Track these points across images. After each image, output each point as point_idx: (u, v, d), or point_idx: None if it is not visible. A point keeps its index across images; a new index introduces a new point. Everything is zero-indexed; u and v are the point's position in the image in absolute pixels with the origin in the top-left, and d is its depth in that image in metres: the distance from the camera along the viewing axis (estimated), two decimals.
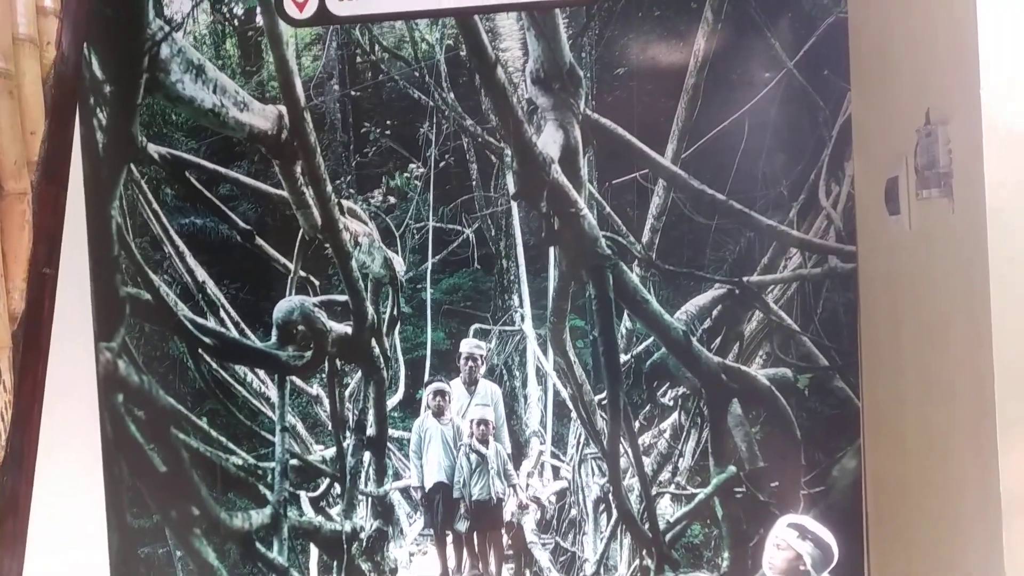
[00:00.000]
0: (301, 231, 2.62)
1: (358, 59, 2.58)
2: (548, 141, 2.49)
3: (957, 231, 1.70)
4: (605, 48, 2.45)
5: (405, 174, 2.58)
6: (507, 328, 2.59)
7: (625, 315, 2.50)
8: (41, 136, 2.05)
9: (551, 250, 2.53)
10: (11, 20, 1.96)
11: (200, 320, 2.68)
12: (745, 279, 2.45)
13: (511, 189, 2.53)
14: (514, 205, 2.55)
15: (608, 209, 2.48)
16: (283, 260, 2.64)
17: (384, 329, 2.61)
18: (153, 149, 2.65)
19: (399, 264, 2.60)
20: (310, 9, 2.53)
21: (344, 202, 2.60)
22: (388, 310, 2.61)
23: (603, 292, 2.50)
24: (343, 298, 2.63)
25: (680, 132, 2.43)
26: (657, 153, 2.44)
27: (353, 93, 2.58)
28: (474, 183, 2.56)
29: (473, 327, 2.59)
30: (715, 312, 2.47)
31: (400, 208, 2.59)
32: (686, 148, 2.43)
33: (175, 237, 2.68)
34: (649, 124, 2.44)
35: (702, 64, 2.40)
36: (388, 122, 2.57)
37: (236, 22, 2.60)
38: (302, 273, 2.64)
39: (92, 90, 2.60)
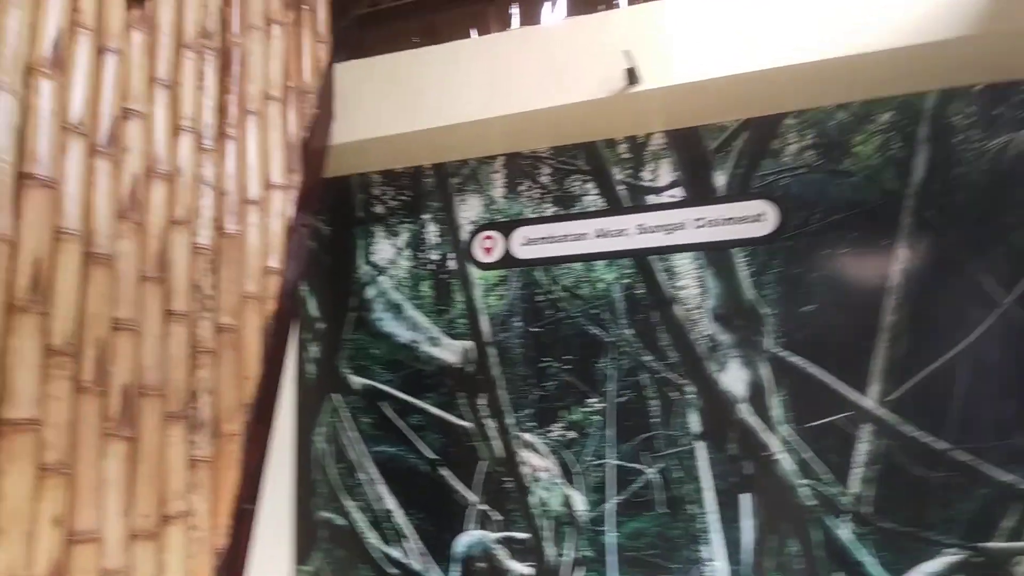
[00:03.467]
0: (483, 463, 2.62)
1: (539, 298, 2.66)
2: (733, 379, 2.35)
3: None
4: (790, 285, 2.33)
5: (584, 409, 2.53)
6: None
7: None
8: (255, 380, 2.28)
9: (745, 497, 2.30)
10: (240, 280, 2.26)
11: (385, 549, 2.70)
12: (985, 546, 2.04)
13: (695, 428, 2.38)
14: (699, 446, 2.38)
15: (809, 454, 2.23)
16: (464, 492, 2.63)
17: (569, 573, 2.46)
18: (355, 380, 2.85)
19: (579, 503, 2.49)
20: (497, 254, 2.70)
21: (524, 435, 2.58)
22: (569, 552, 2.47)
23: (809, 550, 2.19)
24: (524, 535, 2.54)
25: (883, 372, 2.18)
26: (859, 394, 2.20)
27: (534, 329, 2.64)
28: (655, 420, 2.44)
29: None
30: None
31: (579, 444, 2.52)
32: (892, 390, 2.16)
33: (368, 464, 2.79)
34: (846, 363, 2.22)
35: (901, 301, 2.19)
36: (567, 357, 2.58)
37: (432, 267, 2.82)
38: (483, 506, 2.61)
39: (306, 326, 2.90)
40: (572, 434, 2.54)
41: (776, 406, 2.29)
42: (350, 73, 2.74)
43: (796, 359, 2.29)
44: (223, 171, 2.24)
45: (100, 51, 1.90)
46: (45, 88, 1.74)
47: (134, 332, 1.89)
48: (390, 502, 2.75)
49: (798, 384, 2.28)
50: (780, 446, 2.27)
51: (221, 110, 2.27)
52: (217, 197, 2.21)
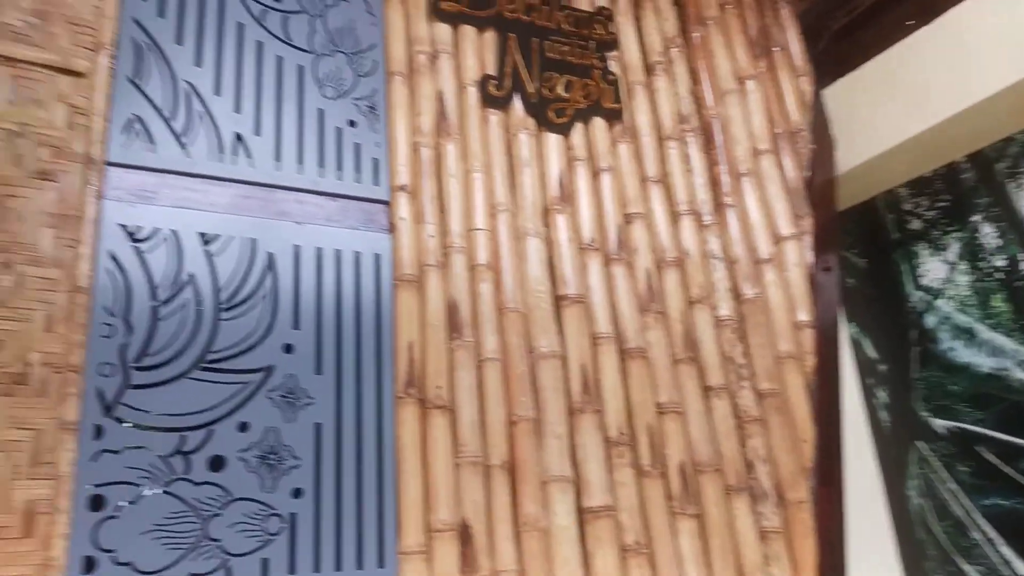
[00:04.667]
0: None
1: None
2: None
3: None
4: None
5: None
6: None
7: None
8: (812, 442, 2.17)
9: None
10: (771, 343, 2.22)
11: None
12: None
13: None
14: None
15: None
16: None
17: None
18: (938, 424, 2.48)
19: None
20: None
21: None
22: None
23: None
24: None
25: None
26: None
27: None
28: None
29: None
30: None
31: None
32: None
33: (980, 521, 2.36)
34: None
35: None
36: None
37: (1000, 275, 2.31)
38: None
39: (867, 370, 2.65)
40: None
41: None
42: (841, 92, 2.52)
43: None
44: (728, 240, 2.27)
45: (595, 174, 2.17)
46: (560, 221, 2.06)
47: (678, 413, 2.02)
48: (1020, 566, 2.25)
49: None
50: None
51: (713, 183, 2.33)
52: (728, 267, 2.24)
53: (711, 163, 2.35)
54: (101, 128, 1.61)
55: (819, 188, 2.44)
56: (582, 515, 1.81)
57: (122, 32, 1.69)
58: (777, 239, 2.33)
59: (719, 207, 2.30)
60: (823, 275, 2.34)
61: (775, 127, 2.47)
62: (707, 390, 2.08)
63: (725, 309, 2.19)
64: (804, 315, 2.27)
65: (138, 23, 1.71)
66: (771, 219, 2.35)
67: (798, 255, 2.33)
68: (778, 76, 2.54)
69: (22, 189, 1.50)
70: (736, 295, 2.23)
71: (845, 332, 2.43)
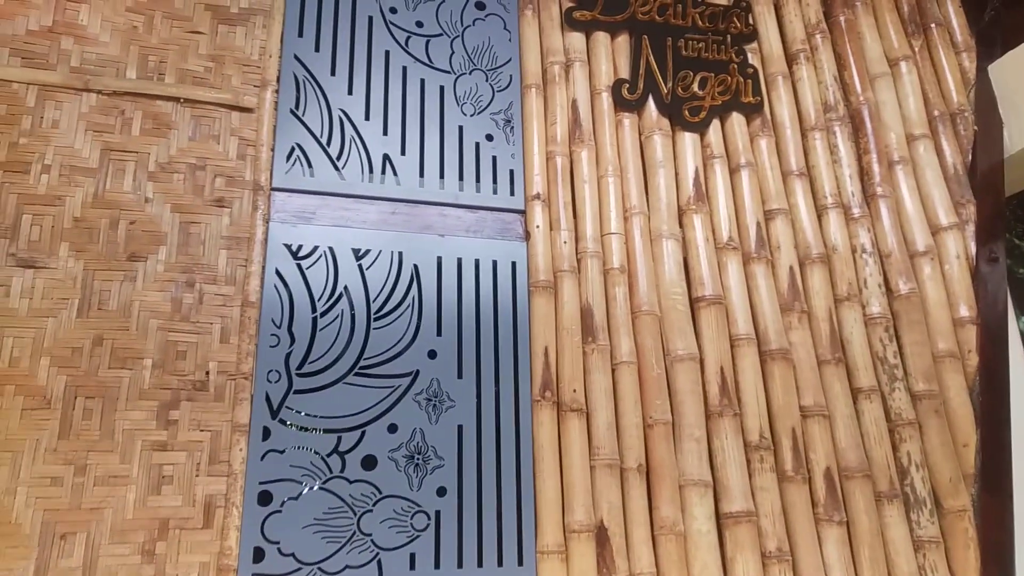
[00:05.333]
0: None
1: None
2: None
3: None
4: None
5: None
6: None
7: None
8: (974, 447, 2.04)
9: None
10: (928, 341, 2.08)
11: None
12: None
13: None
14: None
15: None
16: None
17: None
18: None
19: None
20: None
21: None
22: None
23: None
24: None
25: None
26: None
27: None
28: None
29: None
30: None
31: None
32: None
33: None
34: None
35: None
36: None
37: None
38: None
39: None
40: None
41: None
42: (1009, 67, 2.30)
43: None
44: (880, 233, 2.16)
45: (733, 171, 2.13)
46: (696, 221, 2.04)
47: (823, 417, 1.95)
48: None
49: None
50: None
51: (863, 174, 2.22)
52: (880, 261, 2.14)
53: (860, 152, 2.23)
54: (267, 157, 1.79)
55: (984, 173, 2.26)
56: (721, 520, 1.80)
57: (283, 68, 1.86)
58: (935, 230, 2.18)
59: (870, 198, 2.18)
60: (988, 266, 2.18)
61: (933, 109, 2.30)
62: (856, 392, 2.00)
63: (876, 306, 2.09)
64: (966, 310, 2.13)
65: (298, 59, 1.87)
66: (928, 209, 2.20)
67: (959, 246, 2.17)
68: (936, 54, 2.37)
69: (202, 216, 1.70)
70: (888, 291, 2.12)
71: (1014, 327, 2.24)
